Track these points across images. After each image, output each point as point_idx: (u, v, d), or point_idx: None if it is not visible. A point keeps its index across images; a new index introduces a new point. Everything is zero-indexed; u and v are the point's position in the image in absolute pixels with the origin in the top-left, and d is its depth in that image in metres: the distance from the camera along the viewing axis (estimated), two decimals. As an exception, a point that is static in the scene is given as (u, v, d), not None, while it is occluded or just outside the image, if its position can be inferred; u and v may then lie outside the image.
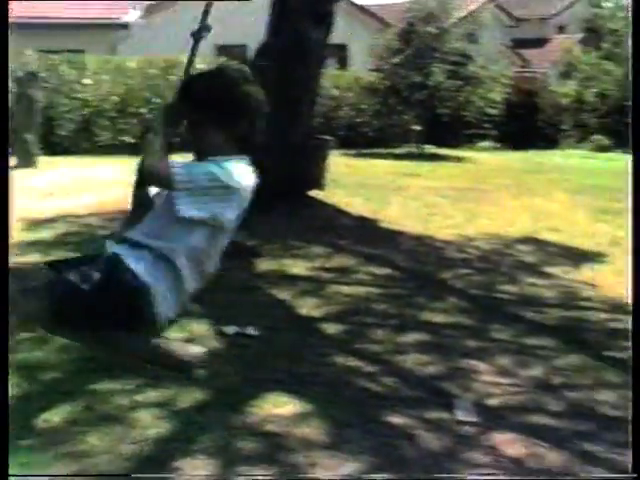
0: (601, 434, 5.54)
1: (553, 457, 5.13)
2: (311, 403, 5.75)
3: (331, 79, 25.70)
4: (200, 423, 5.34)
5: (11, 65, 18.96)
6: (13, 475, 4.38)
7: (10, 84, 19.28)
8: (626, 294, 9.08)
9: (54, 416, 5.31)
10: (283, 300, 8.42)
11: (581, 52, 38.74)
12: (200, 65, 18.91)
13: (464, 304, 8.71)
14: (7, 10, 4.00)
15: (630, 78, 4.27)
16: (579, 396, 6.26)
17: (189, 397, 5.74)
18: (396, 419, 5.58)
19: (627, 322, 8.08)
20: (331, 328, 7.64)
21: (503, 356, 7.01)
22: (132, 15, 25.36)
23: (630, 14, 4.47)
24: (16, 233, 10.29)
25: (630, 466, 3.92)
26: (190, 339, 6.99)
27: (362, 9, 32.14)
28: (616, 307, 8.75)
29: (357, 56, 29.69)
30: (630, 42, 4.37)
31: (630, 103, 4.28)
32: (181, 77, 4.02)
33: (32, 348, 6.52)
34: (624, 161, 28.09)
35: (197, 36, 4.06)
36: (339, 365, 6.66)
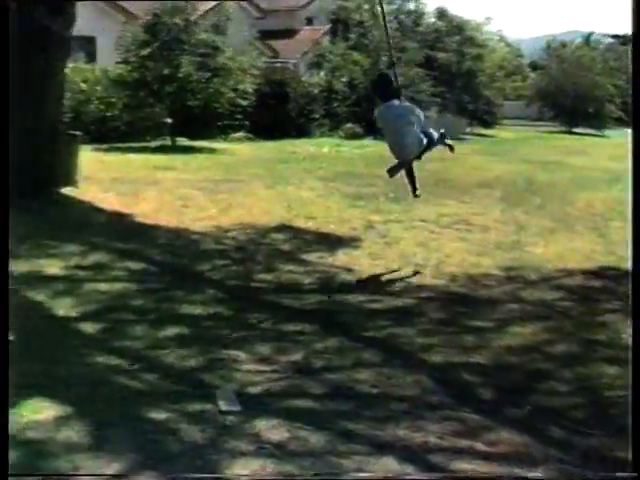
0: (360, 412, 5.69)
1: (315, 438, 5.22)
2: (71, 405, 5.62)
3: (79, 73, 25.21)
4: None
5: None
6: (13, 475, 4.12)
7: None
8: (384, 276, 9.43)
9: None
10: (40, 302, 8.19)
11: (329, 43, 39.69)
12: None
13: (222, 295, 8.76)
14: (7, 10, 3.81)
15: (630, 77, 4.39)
16: (338, 377, 6.40)
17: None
18: (159, 415, 5.54)
19: (382, 302, 8.41)
20: (89, 327, 7.49)
21: (262, 344, 7.08)
22: None
23: (631, 14, 4.58)
24: None
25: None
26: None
27: (109, 1, 31.61)
28: (372, 289, 9.03)
29: (105, 49, 29.17)
30: (631, 43, 4.51)
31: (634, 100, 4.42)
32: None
33: None
34: (375, 147, 29.10)
35: None
36: (99, 364, 6.55)
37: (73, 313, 7.87)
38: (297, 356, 6.81)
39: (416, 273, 9.83)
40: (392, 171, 10.29)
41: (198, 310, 8.03)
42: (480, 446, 5.22)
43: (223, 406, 5.66)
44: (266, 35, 37.90)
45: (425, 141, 10.14)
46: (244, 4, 38.61)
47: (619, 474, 4.88)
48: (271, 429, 5.33)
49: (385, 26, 12.33)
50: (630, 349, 4.25)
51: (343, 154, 25.56)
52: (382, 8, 14.76)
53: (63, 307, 8.00)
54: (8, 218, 4.31)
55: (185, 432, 5.30)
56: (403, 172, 10.55)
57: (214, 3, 31.36)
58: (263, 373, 6.41)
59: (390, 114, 10.04)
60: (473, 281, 9.62)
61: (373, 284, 9.33)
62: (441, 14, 45.22)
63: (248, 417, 5.52)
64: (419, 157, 10.44)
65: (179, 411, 5.61)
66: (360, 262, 10.24)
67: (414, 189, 10.88)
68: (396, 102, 10.15)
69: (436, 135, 10.57)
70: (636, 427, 3.99)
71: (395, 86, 10.38)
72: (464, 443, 5.25)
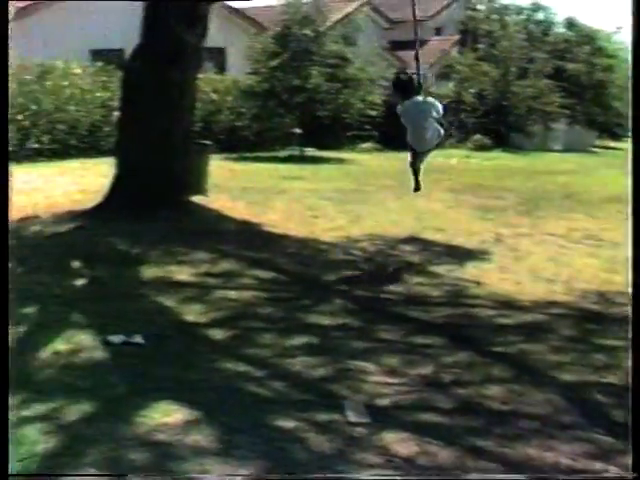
0: (490, 429, 5.59)
1: (445, 454, 5.15)
2: (200, 410, 5.68)
3: (210, 83, 25.59)
4: (88, 435, 5.22)
5: None
6: (13, 475, 4.24)
7: None
8: (512, 290, 9.28)
9: None
10: (169, 307, 8.32)
11: (458, 53, 39.43)
12: (76, 70, 18.55)
13: (350, 305, 8.73)
14: (7, 10, 3.90)
15: (630, 77, 4.33)
16: (468, 392, 6.31)
17: (76, 409, 5.61)
18: (287, 423, 5.54)
19: (512, 317, 8.28)
20: (218, 334, 7.57)
21: (391, 356, 7.03)
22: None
23: (631, 14, 4.52)
24: None
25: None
26: (76, 350, 6.88)
27: (239, 12, 32.00)
28: (501, 303, 8.89)
29: (235, 60, 29.56)
30: (631, 43, 4.45)
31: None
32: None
33: None
34: (504, 159, 28.89)
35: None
36: (227, 370, 6.60)
37: (202, 319, 7.97)
38: (426, 369, 6.74)
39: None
40: (414, 162, 10.99)
41: (327, 320, 8.03)
42: (613, 469, 5.07)
43: (352, 417, 5.63)
44: (395, 46, 37.85)
45: (442, 132, 10.60)
46: (373, 15, 38.66)
47: (619, 474, 4.79)
48: (400, 442, 5.28)
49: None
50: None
51: (472, 166, 25.37)
52: None
53: (192, 313, 8.10)
54: (8, 219, 4.33)
55: (313, 441, 5.29)
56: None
57: (344, 14, 31.49)
58: (391, 385, 6.36)
59: (414, 109, 10.39)
60: (605, 298, 9.38)
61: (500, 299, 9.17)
62: (571, 24, 44.41)
63: (376, 429, 5.48)
64: (436, 147, 11.04)
65: (307, 420, 5.61)
66: (489, 276, 10.10)
67: (417, 183, 11.26)
68: (419, 98, 10.54)
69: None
70: (636, 427, 3.90)
71: (416, 83, 10.74)
72: (597, 466, 5.10)
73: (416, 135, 10.49)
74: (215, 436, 5.29)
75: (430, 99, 10.92)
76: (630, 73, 4.48)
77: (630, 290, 4.37)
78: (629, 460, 5.10)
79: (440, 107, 10.65)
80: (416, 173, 11.20)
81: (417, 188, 11.26)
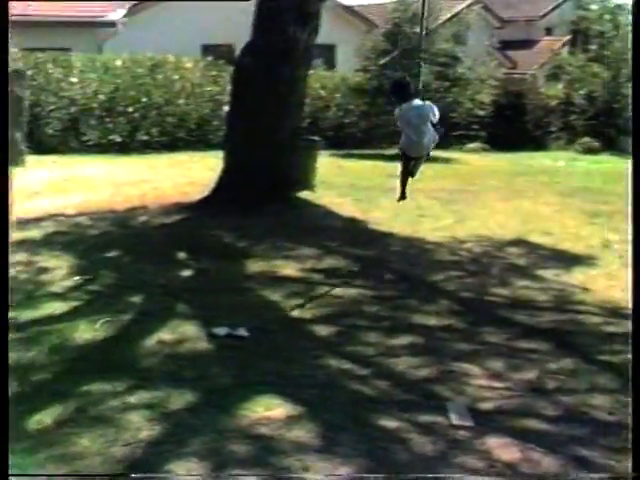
0: (595, 439, 5.49)
1: (548, 462, 5.08)
2: (303, 406, 5.70)
3: (318, 80, 25.65)
4: (191, 425, 5.29)
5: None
6: (13, 475, 4.32)
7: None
8: (620, 297, 9.09)
9: (46, 417, 5.25)
10: (274, 301, 8.37)
11: (568, 54, 38.81)
12: (187, 64, 18.87)
13: (456, 307, 8.67)
14: (7, 10, 3.96)
15: (631, 79, 4.25)
16: (573, 400, 6.21)
17: (180, 399, 5.69)
18: (389, 422, 5.53)
19: (620, 325, 8.09)
20: (322, 330, 7.59)
21: (496, 359, 6.96)
22: (118, 13, 25.17)
23: (631, 15, 4.45)
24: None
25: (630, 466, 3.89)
26: (181, 340, 6.97)
27: (350, 10, 32.03)
28: (608, 310, 8.72)
29: (345, 57, 29.58)
30: (630, 45, 4.36)
31: (628, 104, 4.29)
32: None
33: (23, 348, 6.48)
34: (612, 163, 28.28)
35: None
36: (331, 367, 6.61)
37: (307, 315, 8.00)
38: (530, 374, 6.66)
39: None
40: (406, 170, 10.70)
41: (432, 321, 7.98)
42: None
43: (455, 420, 5.59)
44: (505, 45, 37.48)
45: (437, 137, 10.52)
46: (484, 13, 38.32)
47: (619, 475, 4.73)
48: (502, 447, 5.23)
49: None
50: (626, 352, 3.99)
51: (579, 169, 24.94)
52: None
53: (297, 308, 8.14)
54: (8, 219, 4.34)
55: (415, 442, 5.27)
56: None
57: (454, 12, 31.27)
58: (495, 389, 6.30)
59: (412, 113, 10.29)
60: None
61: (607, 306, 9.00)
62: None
63: (479, 433, 5.43)
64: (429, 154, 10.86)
65: (409, 421, 5.59)
66: (596, 282, 9.91)
67: (403, 192, 10.85)
68: (418, 102, 10.46)
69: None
70: (636, 427, 3.78)
71: (414, 87, 10.78)
72: None
73: (413, 140, 10.42)
74: (317, 432, 5.31)
75: (428, 103, 10.76)
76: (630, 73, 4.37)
77: (630, 289, 4.26)
78: None
79: (437, 111, 10.51)
80: (405, 181, 10.90)
81: (403, 197, 10.88)
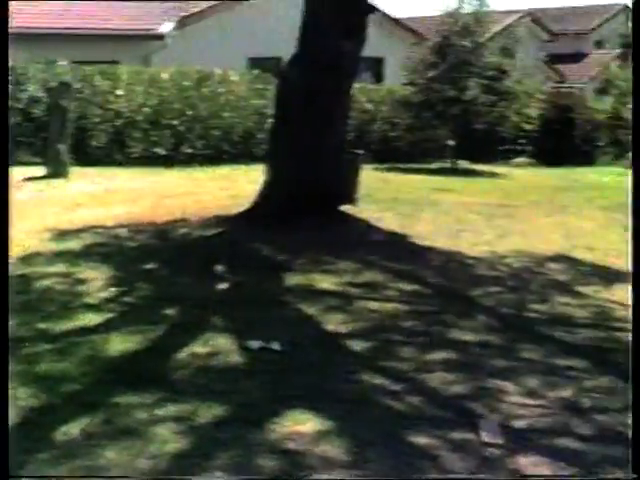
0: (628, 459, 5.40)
1: (578, 482, 5.01)
2: (333, 420, 5.66)
3: (365, 93, 25.66)
4: (219, 439, 5.27)
5: (45, 75, 19.13)
6: (13, 475, 4.33)
7: (43, 94, 19.39)
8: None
9: (73, 428, 5.26)
10: (310, 315, 8.34)
11: (618, 68, 38.54)
12: (233, 77, 19.04)
13: (493, 322, 8.58)
14: (7, 10, 3.98)
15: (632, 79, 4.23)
16: (609, 419, 6.11)
17: (209, 412, 5.67)
18: (420, 439, 5.47)
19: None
20: (357, 345, 7.53)
21: (531, 376, 6.87)
22: (166, 26, 25.35)
23: (631, 13, 4.40)
24: (44, 243, 10.32)
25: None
26: (213, 353, 6.96)
27: (398, 22, 32.04)
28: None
29: (393, 70, 29.57)
30: (631, 42, 4.33)
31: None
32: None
33: (55, 359, 6.51)
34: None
35: None
36: (363, 382, 6.56)
37: (342, 329, 7.95)
38: (566, 392, 6.56)
39: None
40: None
41: (468, 336, 7.90)
42: None
43: (486, 437, 5.51)
44: (554, 58, 37.33)
45: None
46: (534, 27, 38.19)
47: (619, 475, 4.68)
48: (533, 466, 5.15)
49: None
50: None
51: (626, 184, 24.66)
52: None
53: (333, 322, 8.10)
54: (8, 218, 4.33)
55: (444, 459, 5.20)
56: None
57: (504, 25, 31.17)
58: (529, 407, 6.22)
59: None
60: None
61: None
62: None
63: (510, 451, 5.35)
64: None
65: (440, 437, 5.52)
66: (637, 298, 9.78)
67: None
68: None
69: None
70: (636, 427, 3.69)
71: None
72: None
73: None
74: (345, 448, 5.26)
75: None
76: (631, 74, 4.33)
77: (630, 290, 4.19)
78: None
79: None
80: None
81: None
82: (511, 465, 5.16)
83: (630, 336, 8.27)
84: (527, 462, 5.19)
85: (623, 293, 9.93)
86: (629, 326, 8.55)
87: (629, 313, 9.09)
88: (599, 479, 4.81)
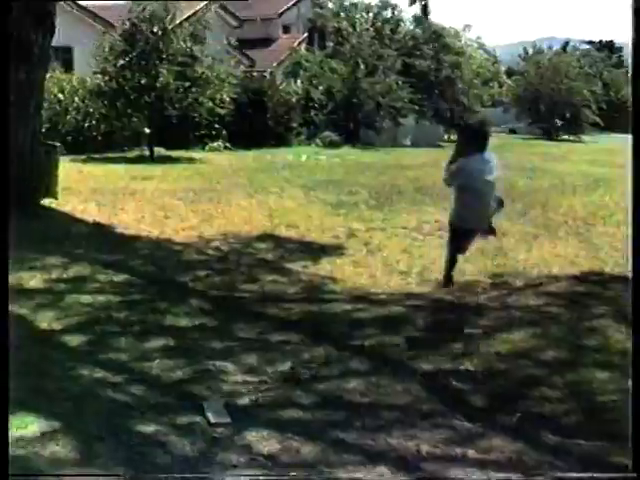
0: (353, 421, 5.63)
1: (307, 450, 5.16)
2: (58, 420, 5.54)
3: (56, 83, 25.10)
4: None
5: None
6: (13, 475, 4.09)
7: None
8: (367, 283, 9.36)
9: None
10: (22, 315, 8.08)
11: (306, 51, 39.74)
12: None
13: (207, 306, 8.66)
14: (7, 10, 3.74)
15: (630, 77, 4.39)
16: (328, 387, 6.33)
17: None
18: (148, 427, 5.46)
19: (368, 311, 8.35)
20: (73, 340, 7.39)
21: (250, 354, 7.00)
22: None
23: (631, 13, 4.57)
24: None
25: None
26: None
27: (86, 10, 31.50)
28: (357, 297, 8.97)
29: (82, 59, 29.04)
30: (630, 45, 4.49)
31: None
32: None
33: None
34: (354, 155, 29.15)
35: None
36: (85, 377, 6.45)
37: (57, 326, 7.77)
38: (284, 366, 6.74)
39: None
40: (459, 247, 9.47)
41: (183, 322, 7.92)
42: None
43: (212, 418, 5.58)
44: (243, 44, 37.89)
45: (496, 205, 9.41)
46: (222, 13, 38.55)
47: (619, 475, 4.86)
48: (264, 440, 5.27)
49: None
50: (629, 353, 4.24)
51: (322, 162, 25.55)
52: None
53: (46, 320, 7.89)
54: (8, 220, 4.26)
55: (174, 444, 5.23)
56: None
57: (191, 12, 31.27)
58: (251, 384, 6.34)
59: (482, 171, 8.88)
60: (459, 288, 9.53)
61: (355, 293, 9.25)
62: (418, 21, 45.34)
63: (238, 429, 5.45)
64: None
65: (168, 423, 5.54)
66: (344, 270, 10.18)
67: (448, 277, 9.49)
68: (486, 155, 8.98)
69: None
70: (636, 427, 3.97)
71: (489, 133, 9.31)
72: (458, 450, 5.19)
73: (478, 206, 9.03)
74: (73, 446, 5.17)
75: (492, 154, 9.18)
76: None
77: (630, 290, 4.45)
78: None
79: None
80: (453, 264, 9.47)
81: (448, 283, 9.42)
82: (241, 442, 5.25)
83: (341, 306, 8.70)
84: (257, 437, 5.30)
85: (330, 266, 10.35)
86: (338, 297, 8.95)
87: (337, 285, 9.50)
88: (599, 478, 4.95)
